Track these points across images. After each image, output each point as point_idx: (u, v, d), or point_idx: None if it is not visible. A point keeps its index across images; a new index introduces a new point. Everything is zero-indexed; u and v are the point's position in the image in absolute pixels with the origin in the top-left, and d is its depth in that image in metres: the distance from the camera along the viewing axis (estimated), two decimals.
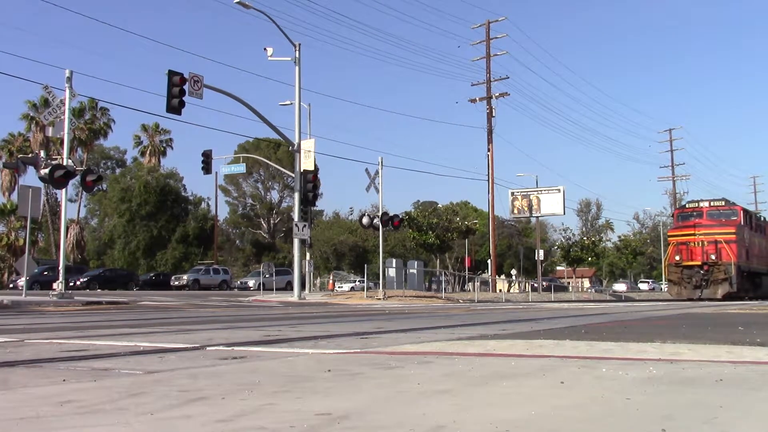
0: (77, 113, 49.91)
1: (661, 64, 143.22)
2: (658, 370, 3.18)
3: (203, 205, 67.64)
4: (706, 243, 27.67)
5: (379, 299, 21.10)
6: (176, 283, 44.32)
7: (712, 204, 29.69)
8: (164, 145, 63.49)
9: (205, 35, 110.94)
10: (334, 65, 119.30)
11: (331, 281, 40.99)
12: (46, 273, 35.83)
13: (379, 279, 25.59)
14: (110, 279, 41.82)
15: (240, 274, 56.42)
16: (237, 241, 73.12)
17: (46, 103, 25.80)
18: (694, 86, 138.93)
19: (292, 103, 25.06)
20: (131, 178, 63.99)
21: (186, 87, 18.70)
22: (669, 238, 31.00)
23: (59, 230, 23.07)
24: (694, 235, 28.24)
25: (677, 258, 28.40)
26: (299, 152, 23.11)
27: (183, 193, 66.44)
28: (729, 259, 27.15)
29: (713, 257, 27.33)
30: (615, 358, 3.74)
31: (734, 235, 27.75)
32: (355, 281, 48.41)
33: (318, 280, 48.61)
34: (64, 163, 17.56)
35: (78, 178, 18.28)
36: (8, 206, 52.55)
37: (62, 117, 18.55)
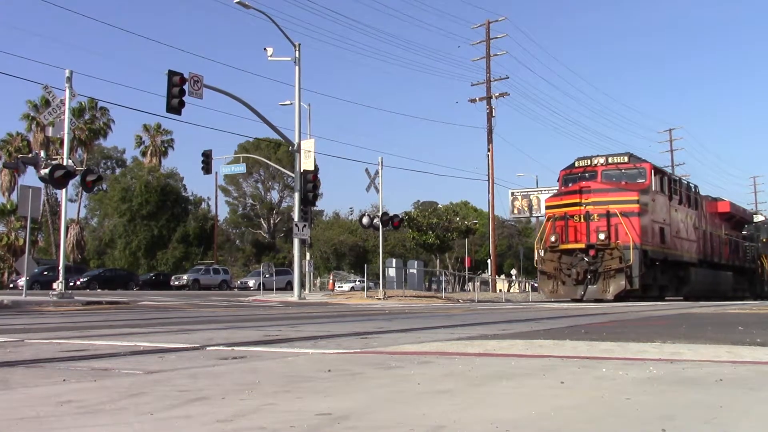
0: (77, 113, 49.90)
1: (661, 64, 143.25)
2: (658, 370, 3.18)
3: (203, 205, 67.68)
4: (595, 216, 19.53)
5: (379, 299, 21.10)
6: (176, 283, 44.32)
7: (610, 161, 21.30)
8: (165, 145, 63.50)
9: (205, 35, 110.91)
10: (334, 65, 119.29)
11: (331, 281, 40.99)
12: (45, 273, 35.83)
13: (379, 279, 25.59)
14: (110, 279, 41.84)
15: (240, 274, 56.42)
16: (237, 241, 73.12)
17: (46, 103, 25.81)
18: (694, 86, 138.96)
19: (292, 103, 25.07)
20: (132, 178, 64.00)
21: (186, 87, 18.71)
22: (546, 211, 21.99)
23: (59, 230, 23.06)
24: (579, 204, 19.88)
25: (553, 239, 20.10)
26: (299, 152, 23.11)
27: (183, 193, 66.47)
28: (627, 239, 18.96)
29: (602, 237, 19.00)
30: (615, 358, 3.74)
31: (637, 205, 19.60)
32: (355, 281, 48.42)
33: (318, 280, 48.62)
34: (64, 163, 17.56)
35: (78, 178, 18.28)
36: (8, 206, 52.55)
37: (62, 117, 18.55)
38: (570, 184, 21.11)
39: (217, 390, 2.60)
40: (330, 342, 4.86)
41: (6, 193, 55.43)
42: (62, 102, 18.27)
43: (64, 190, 18.84)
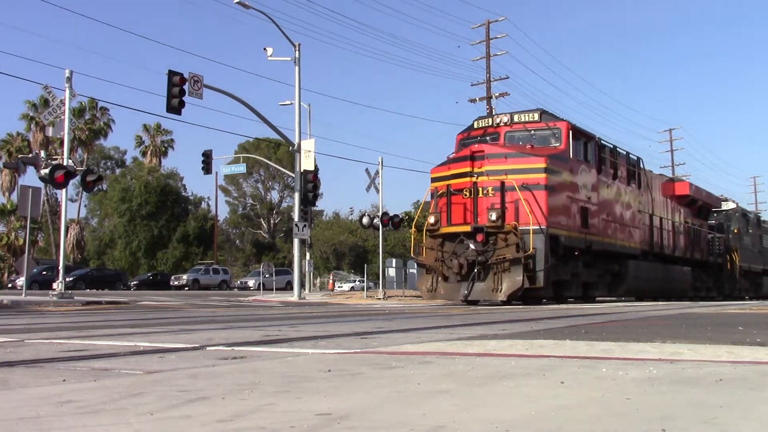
0: (77, 113, 49.92)
1: (661, 64, 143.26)
2: (658, 370, 3.18)
3: (203, 205, 67.72)
4: (490, 190, 14.90)
5: (379, 299, 21.10)
6: (176, 282, 44.32)
7: (516, 119, 16.54)
8: (165, 145, 63.52)
9: (205, 35, 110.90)
10: (334, 65, 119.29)
11: (331, 281, 41.01)
12: (44, 273, 35.83)
13: (379, 279, 25.59)
14: (97, 279, 40.95)
15: (240, 274, 56.45)
16: (237, 241, 73.14)
17: (46, 103, 25.80)
18: (694, 86, 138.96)
19: (292, 103, 25.08)
20: (131, 178, 64.01)
21: (186, 87, 18.72)
22: (431, 185, 16.58)
23: (59, 230, 23.06)
24: (470, 175, 15.13)
25: (432, 221, 15.41)
26: (299, 152, 23.11)
27: (183, 193, 66.51)
28: (528, 221, 14.35)
29: (494, 217, 14.36)
30: (615, 358, 3.74)
31: (544, 175, 14.87)
32: (355, 281, 48.42)
33: (318, 280, 48.64)
34: (64, 163, 17.56)
35: (78, 178, 18.28)
36: (8, 206, 52.56)
37: (62, 117, 18.55)
38: (463, 149, 16.15)
39: (217, 390, 2.60)
40: (330, 342, 4.86)
41: (6, 193, 55.44)
42: (62, 102, 18.28)
43: (64, 190, 18.84)
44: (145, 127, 62.10)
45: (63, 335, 5.59)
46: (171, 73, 18.55)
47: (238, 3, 22.21)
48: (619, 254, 18.92)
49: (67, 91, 18.13)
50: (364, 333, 5.69)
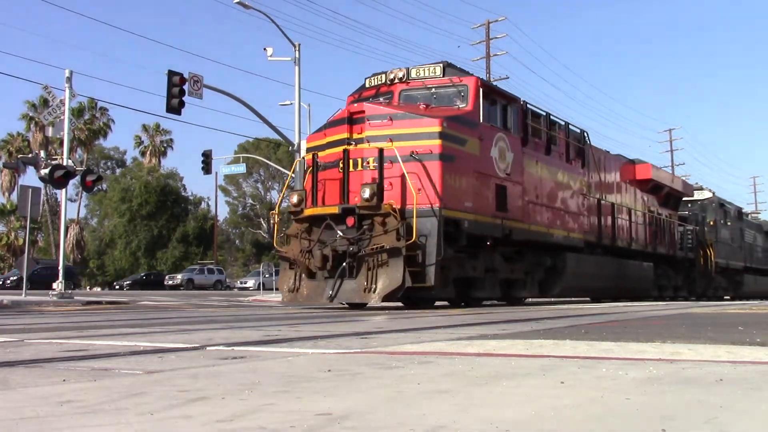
0: (77, 113, 49.94)
1: (661, 64, 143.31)
2: (658, 370, 3.18)
3: (203, 205, 67.82)
4: (371, 163, 11.98)
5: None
6: (170, 282, 44.31)
7: (414, 75, 13.36)
8: (165, 145, 63.57)
9: (205, 35, 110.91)
10: (334, 65, 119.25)
11: None
12: (35, 272, 35.61)
13: None
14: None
15: (240, 274, 56.50)
16: (237, 241, 73.16)
17: (45, 103, 25.81)
18: (694, 86, 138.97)
19: (291, 103, 25.11)
20: (131, 178, 64.04)
21: (186, 87, 18.75)
22: (306, 156, 13.81)
23: (59, 230, 23.05)
24: (348, 142, 12.28)
25: (295, 201, 12.62)
26: (299, 152, 23.12)
27: (183, 193, 66.55)
28: (421, 200, 11.54)
29: (367, 194, 11.45)
30: (615, 358, 3.74)
31: (438, 142, 11.93)
32: None
33: None
34: (64, 163, 17.57)
35: (78, 178, 18.29)
36: (8, 206, 52.55)
37: (62, 117, 18.57)
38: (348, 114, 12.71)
39: (217, 390, 2.60)
40: (330, 342, 4.87)
41: (6, 193, 55.45)
42: (62, 102, 18.30)
43: (64, 190, 18.86)
44: (144, 128, 62.14)
45: (63, 335, 5.59)
46: (171, 73, 18.57)
47: (238, 3, 22.22)
48: (555, 245, 15.82)
49: (67, 91, 18.14)
50: (364, 333, 5.69)
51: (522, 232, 14.46)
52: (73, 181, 19.94)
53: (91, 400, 2.38)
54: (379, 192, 11.66)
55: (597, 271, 17.99)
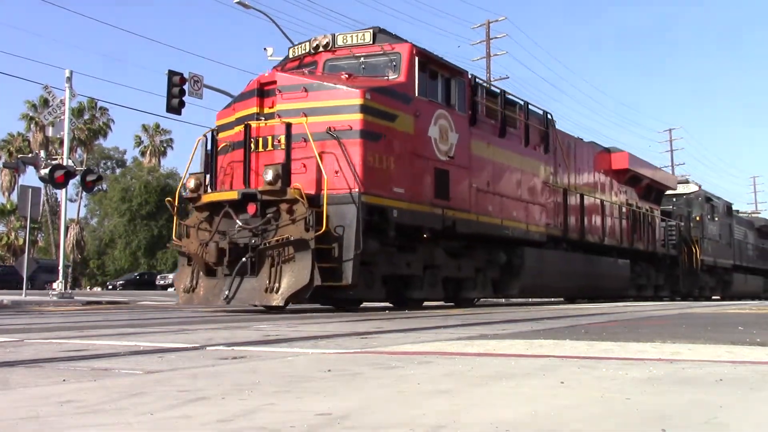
0: (77, 113, 49.96)
1: (661, 64, 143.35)
2: (658, 370, 3.18)
3: None
4: (282, 141, 10.37)
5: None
6: (161, 282, 44.21)
7: (341, 42, 11.74)
8: (164, 145, 63.58)
9: (205, 35, 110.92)
10: None
11: None
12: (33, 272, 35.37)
13: None
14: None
15: None
16: None
17: (45, 103, 25.82)
18: (694, 86, 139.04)
19: None
20: (131, 178, 64.04)
21: (186, 87, 18.74)
22: (218, 135, 11.78)
23: (59, 230, 23.06)
24: (257, 118, 10.74)
25: (192, 186, 10.96)
26: None
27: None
28: (334, 184, 10.10)
29: (269, 177, 9.93)
30: (615, 358, 3.74)
31: (359, 116, 10.36)
32: None
33: None
34: (64, 163, 17.57)
35: (78, 178, 18.30)
36: (8, 206, 52.57)
37: (62, 117, 18.58)
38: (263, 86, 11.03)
39: (217, 390, 2.60)
40: (330, 342, 4.87)
41: (6, 193, 55.46)
42: (62, 102, 18.31)
43: (63, 190, 18.86)
44: (144, 128, 62.15)
45: (63, 335, 5.59)
46: (171, 73, 18.58)
47: (238, 3, 22.22)
48: (511, 240, 14.21)
49: (67, 91, 18.15)
50: (364, 333, 5.69)
51: (468, 224, 12.73)
52: (73, 181, 19.94)
53: (91, 400, 2.39)
54: (285, 174, 9.98)
55: (562, 268, 16.33)
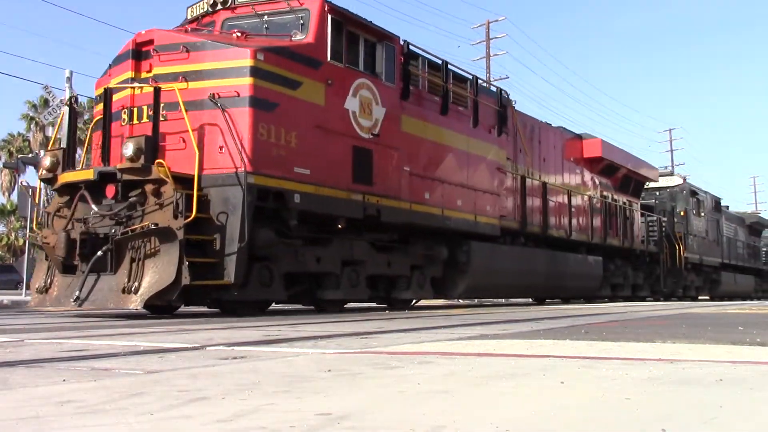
0: None
1: (661, 64, 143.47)
2: (658, 370, 3.18)
3: None
4: (144, 112, 8.94)
5: None
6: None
7: None
8: None
9: None
10: None
11: None
12: None
13: None
14: None
15: None
16: None
17: (46, 103, 25.82)
18: (694, 86, 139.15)
19: None
20: None
21: None
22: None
23: None
24: (132, 83, 9.23)
25: (47, 164, 9.42)
26: None
27: None
28: (216, 162, 8.76)
29: (129, 152, 8.40)
30: (615, 358, 3.74)
31: (249, 81, 8.78)
32: None
33: None
34: None
35: None
36: (8, 206, 52.55)
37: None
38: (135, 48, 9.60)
39: (217, 390, 2.60)
40: (330, 342, 4.87)
41: (6, 193, 55.42)
42: (62, 102, 18.30)
43: None
44: None
45: (63, 335, 5.59)
46: None
47: None
48: (455, 232, 12.67)
49: (67, 91, 18.14)
50: (364, 333, 5.69)
51: (398, 213, 11.07)
52: None
53: (91, 400, 2.38)
54: (150, 149, 8.42)
55: (520, 265, 14.64)
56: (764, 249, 36.96)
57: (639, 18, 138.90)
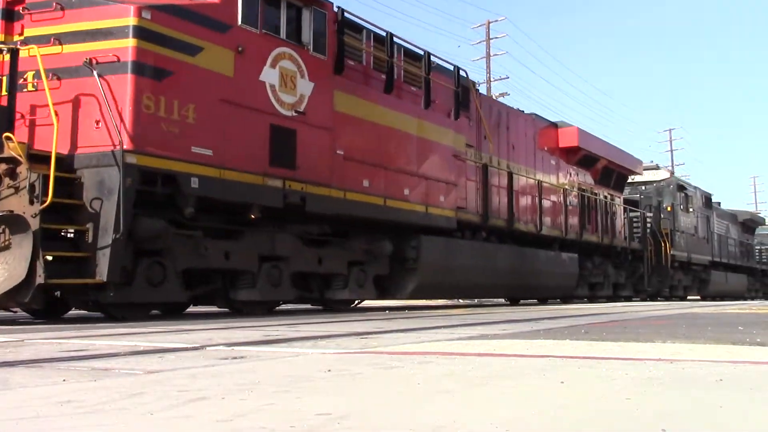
0: None
1: (661, 64, 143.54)
2: (658, 370, 3.18)
3: None
4: (27, 80, 7.82)
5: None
6: None
7: None
8: None
9: None
10: None
11: None
12: None
13: None
14: None
15: None
16: None
17: None
18: (694, 86, 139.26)
19: None
20: None
21: None
22: None
23: None
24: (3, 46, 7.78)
25: None
26: None
27: None
28: (90, 138, 7.54)
29: None
30: (615, 358, 3.74)
31: (131, 42, 7.54)
32: None
33: None
34: None
35: None
36: None
37: None
38: None
39: (216, 390, 2.60)
40: (330, 342, 4.87)
41: None
42: None
43: None
44: None
45: (63, 335, 5.59)
46: None
47: None
48: (403, 225, 11.41)
49: None
50: (364, 333, 5.69)
51: (329, 203, 9.81)
52: None
53: (91, 400, 2.38)
54: (4, 123, 7.36)
55: (481, 262, 13.37)
56: (758, 247, 35.68)
57: (639, 18, 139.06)
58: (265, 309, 9.78)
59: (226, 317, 8.86)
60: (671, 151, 58.61)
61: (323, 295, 10.92)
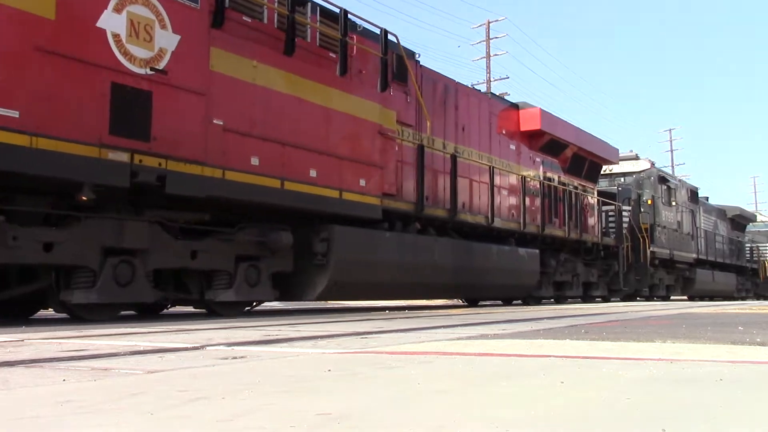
0: None
1: (661, 64, 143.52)
2: (658, 370, 3.18)
3: None
4: None
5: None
6: None
7: None
8: None
9: None
10: None
11: None
12: None
13: None
14: None
15: None
16: None
17: None
18: (694, 86, 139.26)
19: None
20: None
21: None
22: None
23: None
24: None
25: None
26: None
27: None
28: None
29: None
30: (615, 357, 3.74)
31: None
32: None
33: None
34: None
35: None
36: None
37: None
38: None
39: (217, 390, 2.60)
40: (330, 342, 4.87)
41: None
42: None
43: None
44: None
45: (63, 335, 5.59)
46: None
47: None
48: (309, 213, 9.78)
49: None
50: (364, 333, 5.69)
51: (200, 183, 8.04)
52: None
53: (91, 400, 2.38)
54: None
55: (412, 258, 11.47)
56: (748, 245, 33.61)
57: (639, 18, 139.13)
58: (108, 314, 7.75)
59: (199, 318, 8.85)
60: (671, 151, 58.68)
61: (203, 296, 9.13)
